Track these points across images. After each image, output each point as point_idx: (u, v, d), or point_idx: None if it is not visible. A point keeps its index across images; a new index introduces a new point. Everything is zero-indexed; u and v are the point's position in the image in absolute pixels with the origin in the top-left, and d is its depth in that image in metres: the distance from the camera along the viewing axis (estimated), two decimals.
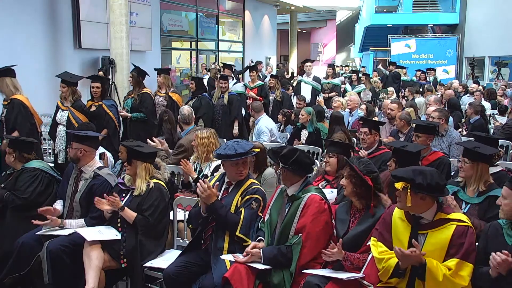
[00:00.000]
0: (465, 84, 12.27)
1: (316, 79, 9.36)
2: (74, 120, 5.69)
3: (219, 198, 3.36)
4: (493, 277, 2.52)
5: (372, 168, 3.08)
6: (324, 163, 4.29)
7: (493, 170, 3.61)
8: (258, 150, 3.78)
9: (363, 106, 7.60)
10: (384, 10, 23.52)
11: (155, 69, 7.77)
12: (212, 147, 4.46)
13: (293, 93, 9.48)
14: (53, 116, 6.14)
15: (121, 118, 6.55)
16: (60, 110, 5.91)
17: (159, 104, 7.02)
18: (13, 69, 5.38)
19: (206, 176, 4.34)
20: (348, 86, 10.38)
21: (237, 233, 3.25)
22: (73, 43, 10.87)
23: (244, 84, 8.78)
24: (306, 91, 9.02)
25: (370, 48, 22.20)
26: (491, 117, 8.38)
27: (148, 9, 13.07)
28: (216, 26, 17.55)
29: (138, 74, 6.74)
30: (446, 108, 7.22)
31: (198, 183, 3.31)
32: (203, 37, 16.80)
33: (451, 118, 6.44)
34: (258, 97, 8.22)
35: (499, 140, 5.19)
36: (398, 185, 2.69)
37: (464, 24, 20.59)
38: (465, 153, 3.36)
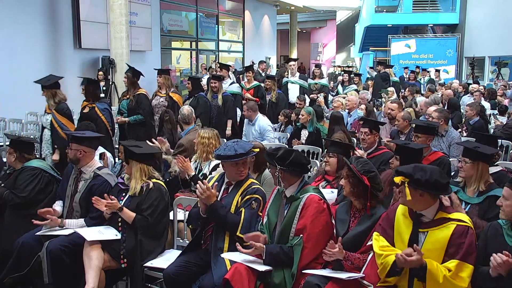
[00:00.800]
0: (465, 84, 12.22)
1: (302, 77, 9.23)
2: (56, 123, 5.45)
3: (218, 198, 3.36)
4: (493, 277, 2.52)
5: (370, 168, 3.07)
6: (324, 163, 4.29)
7: (493, 170, 3.61)
8: (257, 150, 3.78)
9: (363, 106, 7.59)
10: (384, 10, 23.51)
11: (155, 69, 7.75)
12: (212, 148, 4.46)
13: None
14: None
15: (115, 122, 6.47)
16: (45, 113, 5.74)
17: (160, 105, 6.96)
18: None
19: (205, 175, 4.34)
20: (339, 88, 10.09)
21: (237, 233, 3.25)
22: (73, 43, 10.89)
23: (240, 85, 8.72)
24: (294, 91, 8.96)
25: (370, 48, 22.17)
26: (491, 117, 8.37)
27: (148, 9, 13.09)
28: (216, 26, 17.57)
29: (133, 75, 6.58)
30: (446, 108, 7.20)
31: (197, 185, 3.31)
32: (203, 37, 16.81)
33: None
34: (255, 98, 8.17)
35: (499, 140, 5.19)
36: (397, 179, 2.71)
37: (464, 24, 20.58)
38: (466, 153, 3.36)
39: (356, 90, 9.73)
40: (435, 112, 5.53)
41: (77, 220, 3.84)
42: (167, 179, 4.33)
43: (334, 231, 3.15)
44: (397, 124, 5.74)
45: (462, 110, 8.48)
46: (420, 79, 13.27)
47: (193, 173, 4.34)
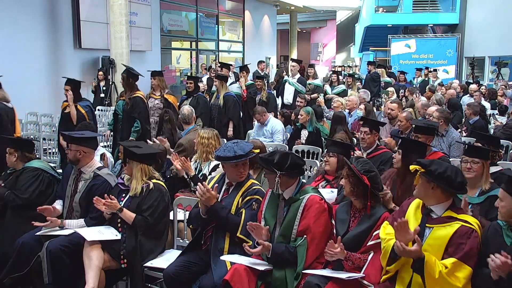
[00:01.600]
0: (464, 84, 12.18)
1: (301, 80, 9.17)
2: None
3: (219, 199, 3.35)
4: (494, 279, 2.51)
5: (370, 168, 3.08)
6: (324, 163, 4.29)
7: (493, 169, 3.62)
8: (258, 150, 3.77)
9: (362, 106, 7.60)
10: (384, 10, 23.52)
11: (149, 71, 7.55)
12: (211, 148, 4.44)
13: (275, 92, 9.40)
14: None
15: (96, 119, 6.31)
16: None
17: (155, 107, 6.83)
18: None
19: (205, 175, 4.34)
20: (328, 88, 9.91)
21: (237, 234, 3.24)
22: (73, 43, 10.89)
23: (239, 86, 8.73)
24: (289, 92, 8.96)
25: (370, 48, 22.17)
26: (491, 117, 8.37)
27: (148, 9, 13.09)
28: (216, 26, 17.57)
29: (128, 76, 6.08)
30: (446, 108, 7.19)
31: (197, 186, 3.30)
32: (203, 37, 16.82)
33: None
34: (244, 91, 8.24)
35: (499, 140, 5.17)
36: (412, 167, 2.80)
37: (464, 24, 20.57)
38: (475, 153, 3.36)
39: (345, 90, 9.62)
40: (436, 112, 5.52)
41: (77, 220, 3.83)
42: (168, 176, 4.35)
43: (334, 231, 3.15)
44: (400, 125, 5.71)
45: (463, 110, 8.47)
46: (413, 79, 13.22)
47: (193, 173, 4.34)
